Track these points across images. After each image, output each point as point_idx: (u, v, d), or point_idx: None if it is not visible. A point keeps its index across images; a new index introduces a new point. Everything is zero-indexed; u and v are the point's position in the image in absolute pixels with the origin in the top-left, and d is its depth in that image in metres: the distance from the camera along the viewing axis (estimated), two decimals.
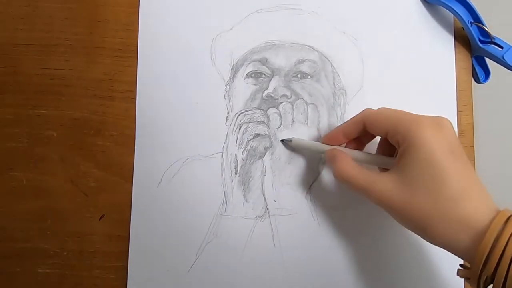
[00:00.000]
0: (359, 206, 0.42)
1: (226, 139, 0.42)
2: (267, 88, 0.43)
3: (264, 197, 0.42)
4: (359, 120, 0.37)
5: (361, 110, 0.37)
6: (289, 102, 0.42)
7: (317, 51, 0.43)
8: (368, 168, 0.36)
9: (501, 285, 0.26)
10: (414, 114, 0.34)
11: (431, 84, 0.44)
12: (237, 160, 0.42)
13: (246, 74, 0.43)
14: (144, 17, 0.43)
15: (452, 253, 0.30)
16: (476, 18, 0.43)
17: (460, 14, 0.42)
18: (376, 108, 0.37)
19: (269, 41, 0.43)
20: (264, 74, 0.43)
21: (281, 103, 0.42)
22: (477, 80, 0.46)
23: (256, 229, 0.42)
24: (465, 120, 0.44)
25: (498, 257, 0.26)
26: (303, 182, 0.42)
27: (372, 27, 0.44)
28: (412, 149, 0.31)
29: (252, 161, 0.42)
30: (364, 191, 0.34)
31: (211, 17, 0.43)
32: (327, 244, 0.42)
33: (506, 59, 0.42)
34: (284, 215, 0.42)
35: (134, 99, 0.42)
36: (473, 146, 0.44)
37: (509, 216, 0.27)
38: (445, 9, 0.44)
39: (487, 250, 0.26)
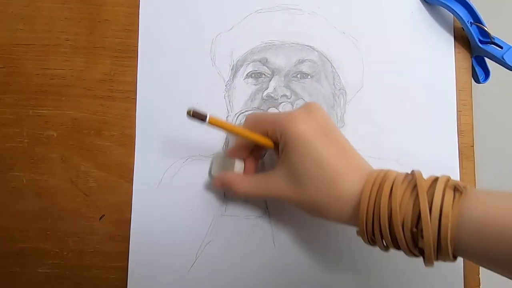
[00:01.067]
0: None
1: (226, 139, 0.42)
2: (267, 88, 0.43)
3: None
4: (245, 127, 0.37)
5: (361, 110, 0.38)
6: (289, 102, 0.42)
7: (317, 51, 0.43)
8: (257, 174, 0.38)
9: (381, 240, 0.31)
10: (287, 111, 0.36)
11: (430, 84, 0.44)
12: None
13: (246, 74, 0.43)
14: (144, 17, 0.43)
15: (344, 224, 0.34)
16: (476, 18, 0.43)
17: (460, 14, 0.42)
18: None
19: (269, 41, 0.43)
20: (264, 74, 0.43)
21: (281, 103, 0.42)
22: (477, 80, 0.46)
23: (256, 229, 0.42)
24: (464, 120, 0.44)
25: (371, 221, 0.30)
26: None
27: (372, 27, 0.44)
28: (289, 143, 0.33)
29: None
30: (265, 197, 0.38)
31: (211, 17, 0.43)
32: (327, 244, 0.42)
33: (505, 59, 0.42)
34: (283, 215, 0.42)
35: (134, 99, 0.42)
36: (472, 146, 0.44)
37: (373, 182, 0.31)
38: (445, 9, 0.44)
39: (364, 216, 0.30)
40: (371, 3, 0.44)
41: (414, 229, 0.29)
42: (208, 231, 0.42)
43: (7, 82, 0.43)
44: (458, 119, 0.44)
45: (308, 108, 0.35)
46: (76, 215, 0.42)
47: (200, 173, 0.42)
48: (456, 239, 0.28)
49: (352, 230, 0.41)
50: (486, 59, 0.45)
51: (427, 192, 0.29)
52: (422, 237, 0.28)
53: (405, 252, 0.31)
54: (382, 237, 0.31)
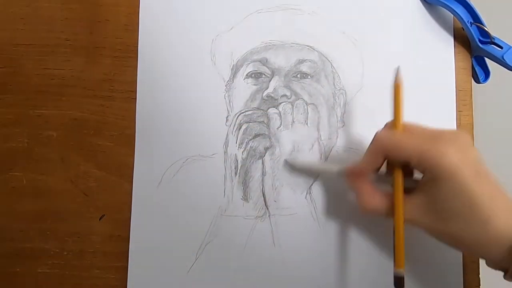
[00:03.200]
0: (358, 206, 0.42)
1: (226, 139, 0.42)
2: (267, 88, 0.43)
3: (264, 197, 0.42)
4: (379, 153, 0.35)
5: (361, 110, 0.37)
6: (289, 102, 0.42)
7: (317, 51, 0.43)
8: (389, 193, 0.36)
9: None
10: (435, 138, 0.32)
11: (431, 84, 0.44)
12: (237, 160, 0.42)
13: (246, 74, 0.43)
14: (144, 18, 0.43)
15: (490, 264, 0.33)
16: (476, 18, 0.43)
17: (460, 14, 0.42)
18: (384, 130, 0.36)
19: (269, 41, 0.43)
20: (264, 74, 0.43)
21: (281, 103, 0.42)
22: (477, 80, 0.46)
23: (256, 229, 0.42)
24: (464, 120, 0.44)
25: None
26: (303, 182, 0.42)
27: (372, 27, 0.44)
28: (438, 179, 0.31)
29: (252, 161, 0.42)
30: (391, 217, 0.35)
31: (211, 17, 0.43)
32: (327, 244, 0.42)
33: (505, 59, 0.42)
34: (284, 215, 0.42)
35: (134, 99, 0.43)
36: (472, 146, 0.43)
37: None
38: (445, 9, 0.44)
39: None
40: (371, 3, 0.44)
41: None
42: (208, 231, 0.42)
43: (7, 82, 0.43)
44: (458, 119, 0.44)
45: (461, 144, 0.32)
46: (76, 215, 0.42)
47: (200, 173, 0.42)
48: None
49: (352, 230, 0.42)
50: (486, 59, 0.45)
51: None
52: None
53: None
54: None
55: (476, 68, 0.45)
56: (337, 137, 0.43)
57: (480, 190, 0.31)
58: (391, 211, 0.35)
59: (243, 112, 0.42)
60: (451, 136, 0.32)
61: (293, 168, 0.42)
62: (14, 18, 0.43)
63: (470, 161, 0.31)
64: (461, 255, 0.42)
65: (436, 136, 0.32)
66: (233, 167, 0.42)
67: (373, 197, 0.36)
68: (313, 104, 0.43)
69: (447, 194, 0.31)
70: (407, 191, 0.35)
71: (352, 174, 0.37)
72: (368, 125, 0.43)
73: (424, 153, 0.32)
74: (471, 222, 0.31)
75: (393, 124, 0.36)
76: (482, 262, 0.42)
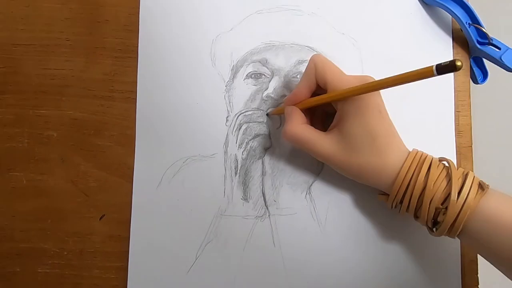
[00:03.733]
0: (358, 206, 0.42)
1: (226, 140, 0.42)
2: (267, 88, 0.43)
3: (264, 197, 0.42)
4: (311, 66, 0.38)
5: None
6: None
7: (316, 52, 0.44)
8: (314, 129, 0.39)
9: (405, 207, 0.37)
10: (345, 77, 0.38)
11: (429, 85, 0.44)
12: (237, 160, 0.42)
13: (246, 75, 0.43)
14: (144, 18, 0.43)
15: (378, 188, 0.39)
16: (474, 20, 0.43)
17: (458, 15, 0.43)
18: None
19: (269, 42, 0.43)
20: (264, 75, 0.43)
21: (281, 103, 0.43)
22: (475, 81, 0.46)
23: (256, 229, 0.42)
24: (463, 120, 0.44)
25: (404, 190, 0.36)
26: (303, 182, 0.42)
27: (371, 28, 0.44)
28: (349, 112, 0.37)
29: (252, 161, 0.42)
30: (309, 149, 0.38)
31: (211, 18, 0.44)
32: (327, 244, 0.42)
33: (503, 60, 0.42)
34: (284, 215, 0.42)
35: (134, 99, 0.43)
36: (471, 146, 0.44)
37: (413, 159, 0.37)
38: (443, 11, 0.44)
39: (398, 185, 0.36)
40: (370, 4, 0.45)
41: (440, 206, 0.35)
42: (208, 231, 0.42)
43: (7, 82, 0.43)
44: (457, 120, 0.44)
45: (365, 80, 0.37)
46: (76, 215, 0.42)
47: (200, 173, 0.42)
48: (468, 221, 0.34)
49: (352, 230, 0.42)
50: (484, 60, 0.45)
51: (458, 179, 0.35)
52: (444, 213, 0.35)
53: (420, 221, 0.37)
54: (408, 206, 0.37)
55: (474, 69, 0.46)
56: None
57: (380, 127, 0.37)
58: (311, 144, 0.38)
59: (243, 112, 0.42)
60: (361, 79, 0.38)
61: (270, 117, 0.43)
62: (14, 18, 0.43)
63: (375, 101, 0.37)
64: (460, 255, 0.42)
65: (351, 78, 0.38)
66: (233, 167, 0.42)
67: (300, 126, 0.39)
68: None
69: (355, 127, 0.37)
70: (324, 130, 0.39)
71: (290, 101, 0.40)
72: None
73: (340, 81, 0.37)
74: (372, 152, 0.36)
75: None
76: (481, 262, 0.42)
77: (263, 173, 0.42)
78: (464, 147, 0.44)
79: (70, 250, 0.41)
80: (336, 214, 0.42)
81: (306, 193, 0.42)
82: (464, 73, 0.45)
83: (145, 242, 0.41)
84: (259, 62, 0.43)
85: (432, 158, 0.37)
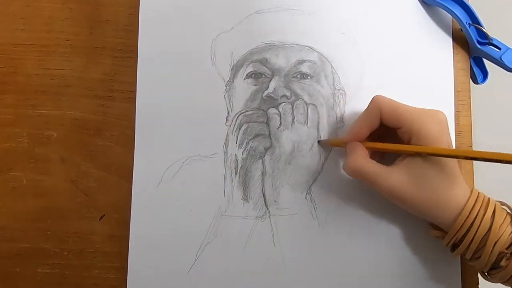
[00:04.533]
0: (359, 206, 0.42)
1: (226, 139, 0.42)
2: (267, 88, 0.43)
3: (264, 197, 0.42)
4: (376, 108, 0.38)
5: (360, 110, 0.39)
6: (289, 102, 0.43)
7: (316, 52, 0.44)
8: (378, 163, 0.38)
9: (465, 248, 0.36)
10: (421, 112, 0.38)
11: (429, 85, 0.44)
12: (237, 160, 0.42)
13: (246, 75, 0.43)
14: (144, 18, 0.43)
15: (437, 223, 0.38)
16: (474, 20, 0.43)
17: (458, 15, 0.43)
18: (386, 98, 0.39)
19: (269, 42, 0.43)
20: (264, 75, 0.43)
21: (281, 103, 0.43)
22: (475, 81, 0.46)
23: (256, 229, 0.42)
24: (463, 120, 0.44)
25: (466, 229, 0.36)
26: (303, 182, 0.42)
27: (371, 28, 0.44)
28: (423, 143, 0.36)
29: (252, 161, 0.42)
30: (374, 183, 0.38)
31: (211, 17, 0.44)
32: (327, 244, 0.42)
33: (504, 60, 0.42)
34: (284, 215, 0.42)
35: (134, 99, 0.43)
36: (471, 146, 0.44)
37: (476, 198, 0.36)
38: (443, 11, 0.44)
39: (461, 223, 0.36)
40: (370, 4, 0.45)
41: (504, 250, 0.35)
42: (208, 231, 0.42)
43: (7, 82, 0.43)
44: (457, 120, 0.44)
45: (440, 119, 0.38)
46: (76, 215, 0.42)
47: (200, 173, 0.42)
48: None
49: (352, 230, 0.42)
50: (484, 60, 0.45)
51: None
52: (508, 259, 0.35)
53: (478, 264, 0.37)
54: (468, 246, 0.36)
55: (474, 69, 0.46)
56: (337, 137, 0.43)
57: (451, 161, 0.36)
58: (377, 178, 0.37)
59: (243, 112, 0.42)
60: (433, 113, 0.38)
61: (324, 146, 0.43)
62: (14, 18, 0.43)
63: (445, 136, 0.37)
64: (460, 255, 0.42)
65: (421, 109, 0.38)
66: (233, 167, 0.42)
67: (365, 160, 0.38)
68: (313, 104, 0.43)
69: (425, 162, 0.36)
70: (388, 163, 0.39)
71: (351, 136, 0.40)
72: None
73: (418, 116, 0.37)
74: (441, 187, 0.36)
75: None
76: None
77: (263, 173, 0.42)
78: (464, 148, 0.44)
79: (70, 250, 0.41)
80: (336, 214, 0.42)
81: (307, 193, 0.42)
82: (464, 73, 0.45)
83: (144, 242, 0.41)
84: (259, 61, 0.43)
85: (493, 200, 0.37)
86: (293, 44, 0.43)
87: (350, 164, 0.38)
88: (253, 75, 0.43)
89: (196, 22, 0.44)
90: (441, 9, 0.44)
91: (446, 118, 0.38)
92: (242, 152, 0.42)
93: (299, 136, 0.42)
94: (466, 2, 0.43)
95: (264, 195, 0.42)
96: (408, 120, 0.37)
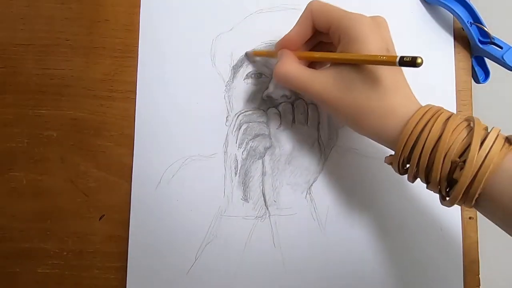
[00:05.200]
0: (359, 207, 0.42)
1: (226, 139, 0.42)
2: (267, 88, 0.43)
3: (264, 198, 0.42)
4: (308, 14, 0.36)
5: None
6: (289, 102, 0.42)
7: None
8: (308, 68, 0.37)
9: (415, 165, 0.31)
10: (355, 13, 0.35)
11: (430, 85, 0.44)
12: (237, 160, 0.42)
13: (246, 75, 0.43)
14: (144, 17, 0.43)
15: (379, 141, 0.34)
16: (476, 19, 0.43)
17: (460, 14, 0.42)
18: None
19: (269, 42, 0.43)
20: (264, 75, 0.43)
21: (281, 103, 0.42)
22: (477, 81, 0.46)
23: (256, 229, 0.42)
24: None
25: (413, 141, 0.30)
26: (303, 182, 0.42)
27: None
28: (351, 45, 0.33)
29: (252, 161, 0.42)
30: (302, 86, 0.35)
31: (212, 17, 0.43)
32: (327, 245, 0.42)
33: (505, 60, 0.42)
34: (284, 216, 0.42)
35: (134, 99, 0.42)
36: None
37: (428, 109, 0.31)
38: (444, 10, 0.44)
39: (407, 135, 0.30)
40: (370, 3, 0.44)
41: (457, 159, 0.29)
42: (208, 231, 0.41)
43: (7, 82, 0.43)
44: None
45: (377, 21, 0.35)
46: (75, 215, 0.42)
47: (199, 173, 0.42)
48: (490, 179, 0.28)
49: (352, 230, 0.42)
50: (486, 59, 0.45)
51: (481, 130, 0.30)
52: (462, 168, 0.29)
53: (432, 186, 0.31)
54: (417, 163, 0.31)
55: (476, 68, 0.45)
56: (337, 137, 0.43)
57: (386, 68, 0.32)
58: (304, 81, 0.35)
59: (243, 112, 0.42)
60: (371, 16, 0.35)
61: (250, 59, 0.42)
62: (14, 18, 0.43)
63: (382, 38, 0.34)
64: (461, 255, 0.42)
65: (360, 14, 0.35)
66: (233, 167, 0.42)
67: (294, 65, 0.36)
68: (313, 104, 0.43)
69: (354, 66, 0.33)
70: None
71: (281, 45, 0.38)
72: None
73: (343, 17, 0.34)
74: (373, 92, 0.32)
75: None
76: (482, 263, 0.42)
77: (263, 173, 0.42)
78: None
79: (69, 250, 0.41)
80: (336, 214, 0.42)
81: (307, 193, 0.42)
82: (465, 72, 0.45)
83: (144, 243, 0.41)
84: (259, 62, 0.43)
85: (452, 113, 0.32)
86: None
87: (279, 68, 0.36)
88: (253, 75, 0.43)
89: (196, 22, 0.43)
90: (443, 8, 0.44)
91: (386, 23, 0.35)
92: (242, 152, 0.42)
93: (299, 136, 0.42)
94: (468, 1, 0.43)
95: (264, 195, 0.42)
96: (337, 18, 0.34)
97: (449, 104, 0.44)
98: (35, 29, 0.43)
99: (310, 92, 0.35)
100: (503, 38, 0.43)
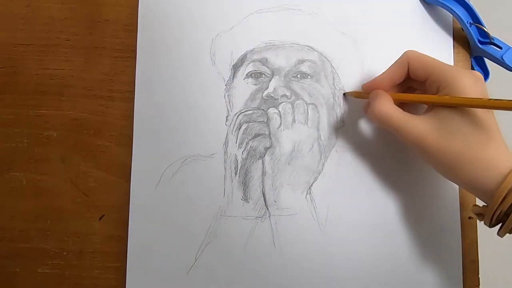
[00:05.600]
0: (359, 207, 0.42)
1: (226, 139, 0.42)
2: (267, 88, 0.43)
3: (264, 198, 0.42)
4: (404, 62, 0.37)
5: (361, 110, 0.39)
6: (289, 102, 0.42)
7: (317, 51, 0.43)
8: (405, 111, 0.37)
9: None
10: (454, 66, 0.37)
11: None
12: (237, 160, 0.42)
13: (246, 74, 0.43)
14: (143, 17, 0.43)
15: (474, 193, 0.34)
16: (475, 19, 0.43)
17: (459, 14, 0.42)
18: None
19: (269, 41, 0.43)
20: (264, 74, 0.43)
21: (281, 103, 0.42)
22: None
23: (256, 229, 0.42)
24: None
25: None
26: (303, 182, 0.42)
27: (371, 28, 0.44)
28: (451, 95, 0.34)
29: (252, 161, 0.42)
30: (400, 130, 0.35)
31: (211, 17, 0.43)
32: (327, 245, 0.42)
33: (505, 60, 0.42)
34: (284, 216, 0.42)
35: (134, 99, 0.42)
36: None
37: None
38: (444, 10, 0.44)
39: (508, 188, 0.30)
40: (370, 4, 0.44)
41: None
42: (207, 231, 0.41)
43: (6, 82, 0.42)
44: None
45: (476, 75, 0.35)
46: (75, 215, 0.42)
47: (199, 173, 0.42)
48: None
49: (352, 230, 0.42)
50: (486, 60, 0.45)
51: None
52: None
53: None
54: None
55: (475, 69, 0.45)
56: (337, 137, 0.43)
57: (484, 116, 0.33)
58: (402, 124, 0.35)
59: (243, 112, 0.42)
60: (470, 70, 0.36)
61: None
62: (14, 18, 0.43)
63: (480, 91, 0.34)
64: (461, 255, 0.42)
65: (459, 68, 0.37)
66: (233, 167, 0.42)
67: (390, 106, 0.36)
68: (313, 104, 0.43)
69: (456, 113, 0.33)
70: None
71: (371, 86, 0.39)
72: (368, 125, 0.43)
73: (444, 69, 0.35)
74: (472, 142, 0.32)
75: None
76: (482, 263, 0.42)
77: (263, 173, 0.42)
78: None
79: (69, 250, 0.41)
80: (337, 214, 0.42)
81: (307, 194, 0.42)
82: None
83: (143, 243, 0.41)
84: (259, 61, 0.43)
85: None
86: (293, 43, 0.43)
87: (376, 108, 0.36)
88: (253, 75, 0.43)
89: (196, 22, 0.43)
90: (442, 8, 0.44)
91: (482, 79, 0.35)
92: (242, 152, 0.42)
93: (299, 136, 0.42)
94: (467, 1, 0.43)
95: (264, 195, 0.42)
96: (438, 69, 0.35)
97: None
98: (35, 29, 0.43)
99: (408, 136, 0.35)
100: (503, 38, 0.43)
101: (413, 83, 0.40)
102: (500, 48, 0.42)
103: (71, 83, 0.43)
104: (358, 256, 0.42)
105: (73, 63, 0.43)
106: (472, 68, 0.45)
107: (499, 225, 0.33)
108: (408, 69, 0.38)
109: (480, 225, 0.42)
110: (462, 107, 0.33)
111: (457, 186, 0.43)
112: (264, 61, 0.43)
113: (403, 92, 0.41)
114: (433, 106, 0.35)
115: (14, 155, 0.42)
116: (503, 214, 0.31)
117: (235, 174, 0.42)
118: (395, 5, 0.45)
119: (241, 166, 0.42)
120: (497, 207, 0.31)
